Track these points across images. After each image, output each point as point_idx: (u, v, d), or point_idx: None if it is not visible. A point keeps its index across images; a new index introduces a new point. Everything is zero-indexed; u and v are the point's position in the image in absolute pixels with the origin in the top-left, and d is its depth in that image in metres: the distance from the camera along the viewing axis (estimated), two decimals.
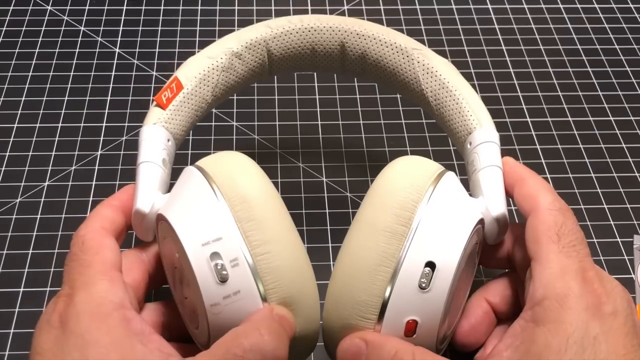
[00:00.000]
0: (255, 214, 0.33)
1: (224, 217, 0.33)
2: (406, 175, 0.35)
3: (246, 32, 0.43)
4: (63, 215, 0.47)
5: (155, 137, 0.39)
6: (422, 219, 0.33)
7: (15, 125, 0.52)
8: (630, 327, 0.32)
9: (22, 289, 0.43)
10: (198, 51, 0.58)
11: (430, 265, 0.33)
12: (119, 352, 0.31)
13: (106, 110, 0.53)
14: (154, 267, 0.38)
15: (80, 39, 0.59)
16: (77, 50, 0.58)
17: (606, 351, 0.31)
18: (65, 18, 0.61)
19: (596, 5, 0.64)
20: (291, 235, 0.34)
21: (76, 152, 0.50)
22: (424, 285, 0.33)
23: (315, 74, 0.57)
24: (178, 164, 0.42)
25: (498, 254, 0.39)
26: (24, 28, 0.60)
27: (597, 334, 0.31)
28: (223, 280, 0.32)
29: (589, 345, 0.31)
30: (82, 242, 0.35)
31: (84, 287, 0.33)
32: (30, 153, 0.50)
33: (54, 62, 0.57)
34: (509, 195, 0.38)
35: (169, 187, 0.39)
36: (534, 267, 0.34)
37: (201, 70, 0.42)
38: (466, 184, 0.39)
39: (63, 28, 0.60)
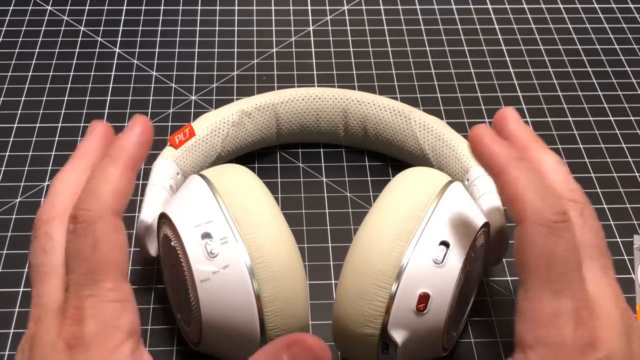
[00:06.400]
0: (245, 200, 0.36)
1: (215, 203, 0.36)
2: (423, 175, 0.38)
3: (257, 97, 0.48)
4: None
5: (167, 168, 0.43)
6: (437, 207, 0.36)
7: (15, 125, 0.52)
8: None
9: (22, 289, 0.43)
10: (198, 51, 0.58)
11: (445, 244, 0.35)
12: None
13: (106, 110, 0.53)
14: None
15: (80, 39, 0.59)
16: (77, 50, 0.58)
17: None
18: (65, 18, 0.61)
19: (596, 5, 0.64)
20: (278, 219, 0.36)
21: None
22: (438, 260, 0.35)
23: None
24: None
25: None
26: (24, 28, 0.60)
27: None
28: (213, 255, 0.34)
29: None
30: (95, 243, 0.30)
31: (93, 314, 0.29)
32: (30, 153, 0.50)
33: (54, 62, 0.57)
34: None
35: None
36: (522, 299, 0.32)
37: (213, 122, 0.46)
38: None
39: (63, 28, 0.60)
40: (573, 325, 0.31)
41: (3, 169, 0.49)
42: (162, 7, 0.62)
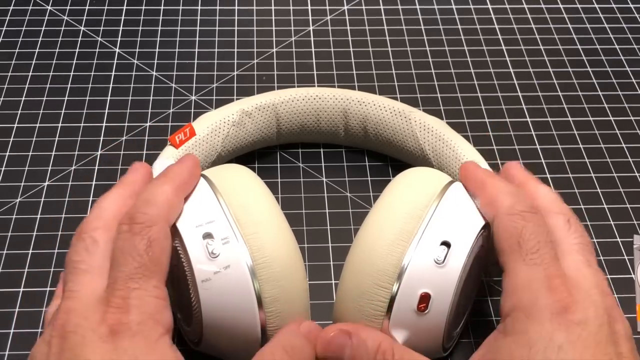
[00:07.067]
0: (246, 200, 0.36)
1: (217, 203, 0.36)
2: (423, 176, 0.39)
3: (258, 96, 0.48)
4: (63, 215, 0.47)
5: None
6: (438, 207, 0.36)
7: (15, 125, 0.52)
8: (604, 336, 0.32)
9: (22, 289, 0.43)
10: (198, 51, 0.58)
11: (446, 244, 0.35)
12: None
13: (106, 110, 0.53)
14: None
15: (80, 39, 0.59)
16: (77, 50, 0.58)
17: None
18: (65, 18, 0.61)
19: (596, 5, 0.64)
20: (279, 219, 0.36)
21: (76, 152, 0.50)
22: (439, 260, 0.35)
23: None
24: None
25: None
26: (24, 28, 0.60)
27: (562, 343, 0.31)
28: (214, 256, 0.34)
29: (552, 354, 0.31)
30: (150, 243, 0.33)
31: (138, 305, 0.31)
32: (30, 153, 0.50)
33: (54, 62, 0.57)
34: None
35: None
36: (503, 278, 0.35)
37: (213, 122, 0.46)
38: None
39: (63, 28, 0.60)
40: (546, 290, 0.32)
41: (3, 169, 0.49)
42: (162, 7, 0.62)
